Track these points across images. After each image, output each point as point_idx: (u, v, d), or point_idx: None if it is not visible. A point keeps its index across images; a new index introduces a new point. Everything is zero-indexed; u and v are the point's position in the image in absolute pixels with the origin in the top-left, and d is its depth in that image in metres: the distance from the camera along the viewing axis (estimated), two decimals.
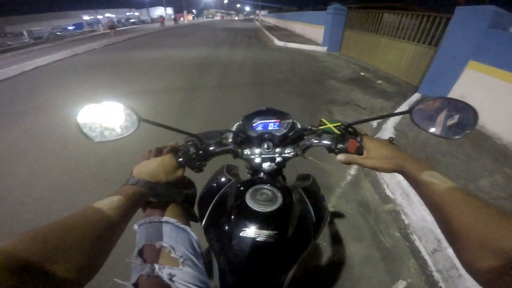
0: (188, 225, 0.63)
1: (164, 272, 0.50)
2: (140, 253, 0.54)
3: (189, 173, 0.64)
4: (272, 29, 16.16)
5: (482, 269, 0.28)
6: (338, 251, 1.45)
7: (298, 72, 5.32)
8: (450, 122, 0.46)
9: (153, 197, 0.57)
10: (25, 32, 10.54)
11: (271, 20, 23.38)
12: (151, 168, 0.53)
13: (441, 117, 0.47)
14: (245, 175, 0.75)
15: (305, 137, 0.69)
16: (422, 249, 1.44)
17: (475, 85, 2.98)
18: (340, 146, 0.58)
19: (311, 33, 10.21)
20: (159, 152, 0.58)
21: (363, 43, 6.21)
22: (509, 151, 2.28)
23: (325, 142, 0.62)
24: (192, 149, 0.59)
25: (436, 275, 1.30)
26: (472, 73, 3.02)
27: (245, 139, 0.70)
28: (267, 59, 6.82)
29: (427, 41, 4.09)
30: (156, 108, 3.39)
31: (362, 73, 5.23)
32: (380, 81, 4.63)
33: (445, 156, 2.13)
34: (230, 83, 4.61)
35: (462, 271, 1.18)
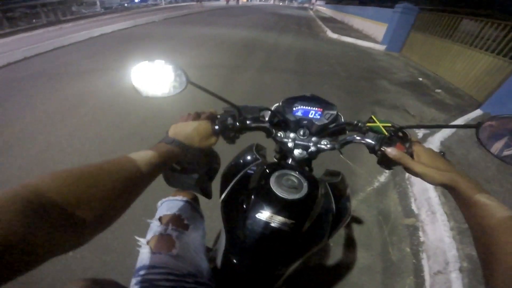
0: (200, 213, 0.74)
1: (174, 232, 0.61)
2: (160, 219, 0.65)
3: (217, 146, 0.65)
4: (327, 20, 15.28)
5: None
6: (343, 254, 1.43)
7: (347, 67, 5.01)
8: None
9: (179, 163, 0.57)
10: (98, 2, 11.49)
11: (327, 11, 22.06)
12: (187, 130, 0.54)
13: None
14: (271, 159, 0.74)
15: (347, 131, 0.64)
16: (426, 268, 1.39)
17: None
18: (384, 148, 0.54)
19: (370, 29, 9.44)
20: (197, 116, 0.59)
21: (430, 47, 5.55)
22: None
23: (369, 140, 0.57)
24: (230, 119, 0.59)
25: None
26: None
27: (281, 121, 0.67)
28: (316, 49, 6.54)
29: (510, 54, 3.48)
30: (200, 81, 3.50)
31: (420, 79, 4.73)
32: (439, 90, 4.14)
33: (490, 183, 1.88)
34: (273, 67, 4.56)
35: None
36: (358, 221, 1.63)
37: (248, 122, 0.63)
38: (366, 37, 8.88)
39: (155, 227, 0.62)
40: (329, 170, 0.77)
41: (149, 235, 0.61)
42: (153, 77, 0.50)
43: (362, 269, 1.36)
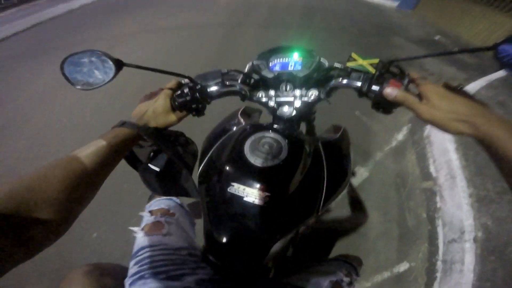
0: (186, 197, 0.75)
1: (163, 218, 0.68)
2: (150, 211, 0.72)
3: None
4: None
5: None
6: (358, 218, 1.39)
7: (358, 23, 4.61)
8: None
9: (140, 145, 0.54)
10: None
11: None
12: (142, 110, 0.51)
13: None
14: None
15: (334, 78, 0.55)
16: (440, 236, 1.34)
17: None
18: (375, 88, 0.45)
19: None
20: (154, 95, 0.55)
21: (449, 6, 5.05)
22: None
23: (354, 82, 0.49)
24: (186, 90, 0.53)
25: (439, 265, 1.23)
26: None
27: (259, 80, 0.60)
28: (322, 4, 5.97)
29: None
30: (197, 43, 3.30)
31: (437, 37, 4.37)
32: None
33: None
34: (276, 24, 4.24)
35: (465, 267, 1.13)
36: (375, 183, 1.58)
37: (210, 89, 0.57)
38: None
39: (146, 217, 0.70)
40: (332, 126, 0.69)
41: (142, 224, 0.68)
42: (85, 68, 0.47)
43: (378, 234, 1.33)
